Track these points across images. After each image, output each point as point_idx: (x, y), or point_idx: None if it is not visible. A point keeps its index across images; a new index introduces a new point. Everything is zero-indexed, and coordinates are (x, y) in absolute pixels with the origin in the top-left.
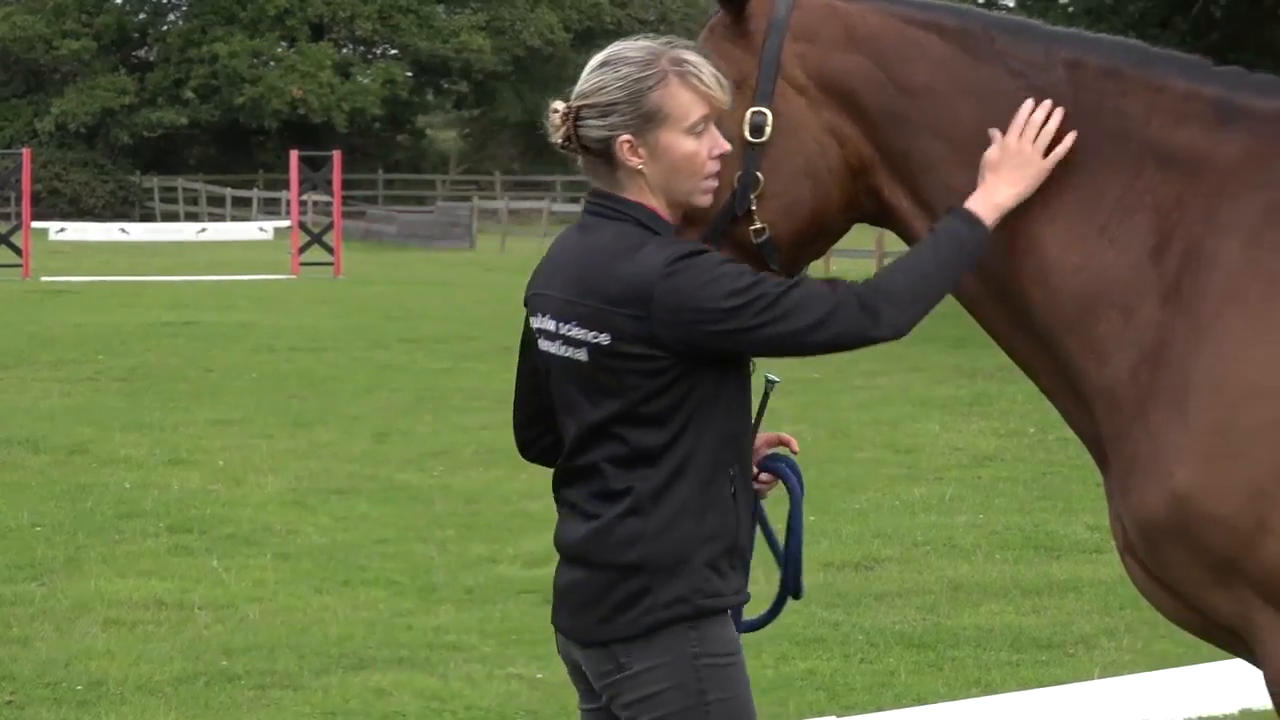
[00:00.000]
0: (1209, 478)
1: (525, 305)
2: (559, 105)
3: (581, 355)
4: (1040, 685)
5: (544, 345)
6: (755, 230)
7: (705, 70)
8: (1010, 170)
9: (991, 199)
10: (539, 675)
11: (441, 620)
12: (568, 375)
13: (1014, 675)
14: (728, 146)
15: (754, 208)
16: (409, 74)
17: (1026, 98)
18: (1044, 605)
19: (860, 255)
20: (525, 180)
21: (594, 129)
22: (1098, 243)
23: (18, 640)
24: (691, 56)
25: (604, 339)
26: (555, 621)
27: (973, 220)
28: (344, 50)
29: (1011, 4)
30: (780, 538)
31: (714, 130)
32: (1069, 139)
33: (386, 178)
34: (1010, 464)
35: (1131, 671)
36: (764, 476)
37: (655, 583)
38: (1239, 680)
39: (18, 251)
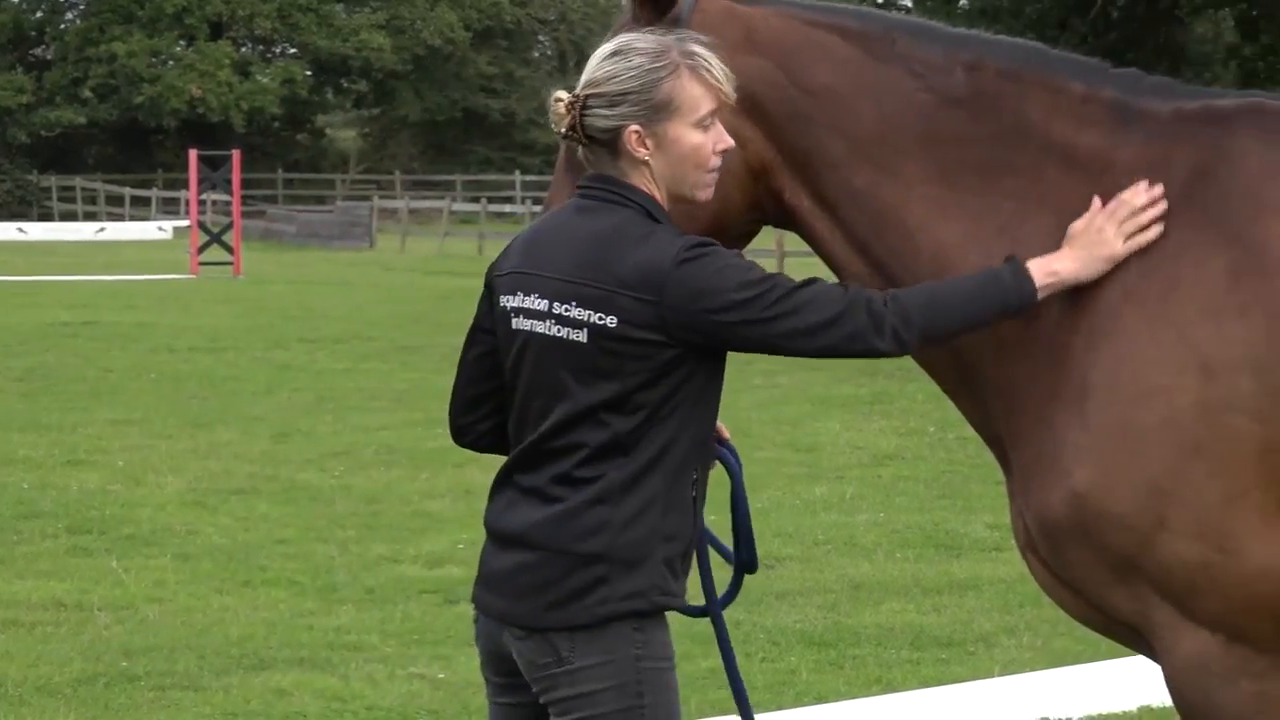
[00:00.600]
0: (1107, 477)
1: (491, 285)
2: (563, 94)
3: (581, 336)
4: (941, 683)
5: (525, 324)
6: None
7: (715, 63)
8: (1083, 247)
9: (1053, 265)
10: (440, 675)
11: (342, 620)
12: (557, 356)
13: (915, 673)
14: (731, 142)
15: None
16: (308, 73)
17: (925, 99)
18: (944, 604)
19: (761, 254)
20: (425, 180)
21: (602, 118)
22: (997, 243)
23: None
24: (701, 50)
25: (610, 321)
26: (486, 607)
27: (1022, 275)
28: (243, 49)
29: (909, 4)
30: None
31: (719, 125)
32: (1154, 231)
33: (286, 177)
34: (910, 463)
35: (1032, 669)
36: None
37: (613, 574)
38: (1139, 677)
39: None
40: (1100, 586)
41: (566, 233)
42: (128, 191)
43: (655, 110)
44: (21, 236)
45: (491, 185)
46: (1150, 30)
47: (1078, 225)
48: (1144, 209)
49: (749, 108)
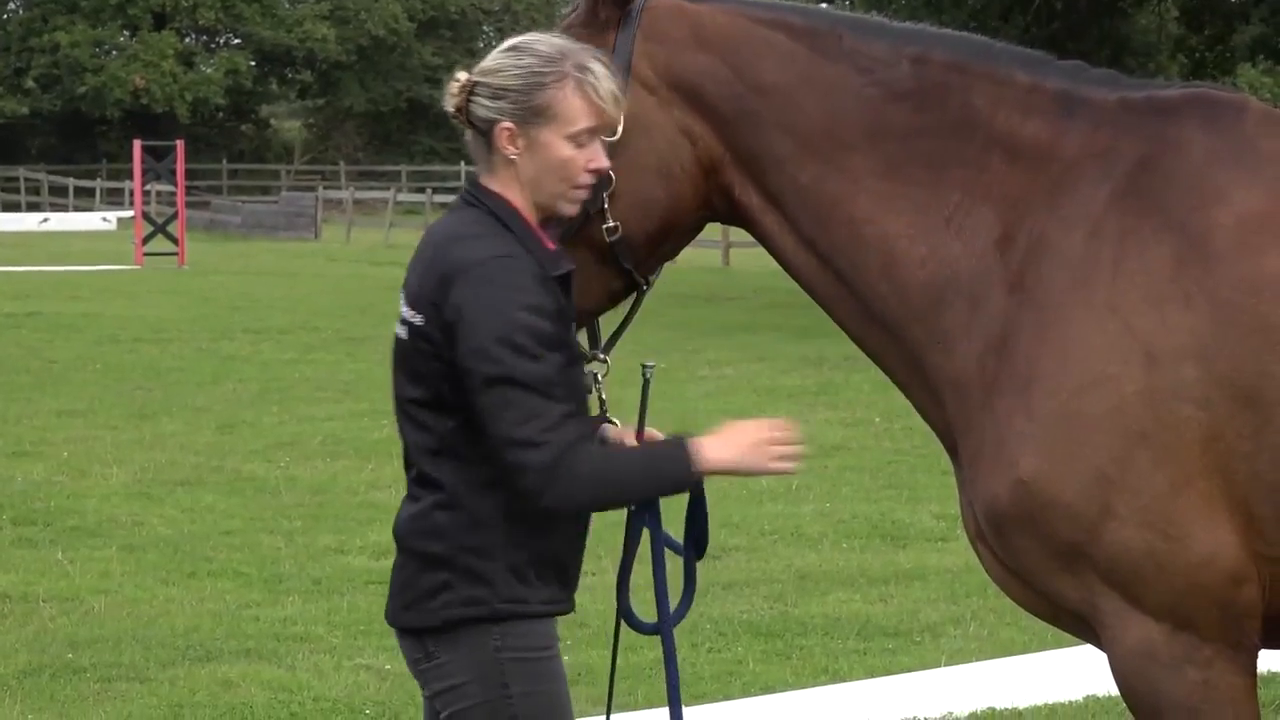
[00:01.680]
0: (1053, 465)
1: None
2: (461, 75)
3: (404, 334)
4: (888, 673)
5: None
6: (608, 229)
7: (604, 84)
8: (745, 447)
9: (718, 453)
10: (387, 666)
11: (289, 611)
12: (396, 355)
13: (861, 663)
14: (606, 164)
15: (606, 206)
16: (252, 63)
17: (872, 93)
18: (891, 594)
19: (708, 245)
20: (370, 170)
21: (483, 108)
22: (944, 234)
23: None
24: (597, 67)
25: (418, 319)
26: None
27: (689, 461)
28: (186, 40)
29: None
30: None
31: (597, 145)
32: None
33: (230, 168)
34: (856, 453)
35: (978, 659)
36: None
37: (455, 580)
38: (1086, 667)
39: None
40: (1047, 575)
41: (429, 234)
42: (71, 182)
43: (532, 113)
44: None
45: (437, 176)
46: (1093, 21)
47: (749, 425)
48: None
49: (697, 104)
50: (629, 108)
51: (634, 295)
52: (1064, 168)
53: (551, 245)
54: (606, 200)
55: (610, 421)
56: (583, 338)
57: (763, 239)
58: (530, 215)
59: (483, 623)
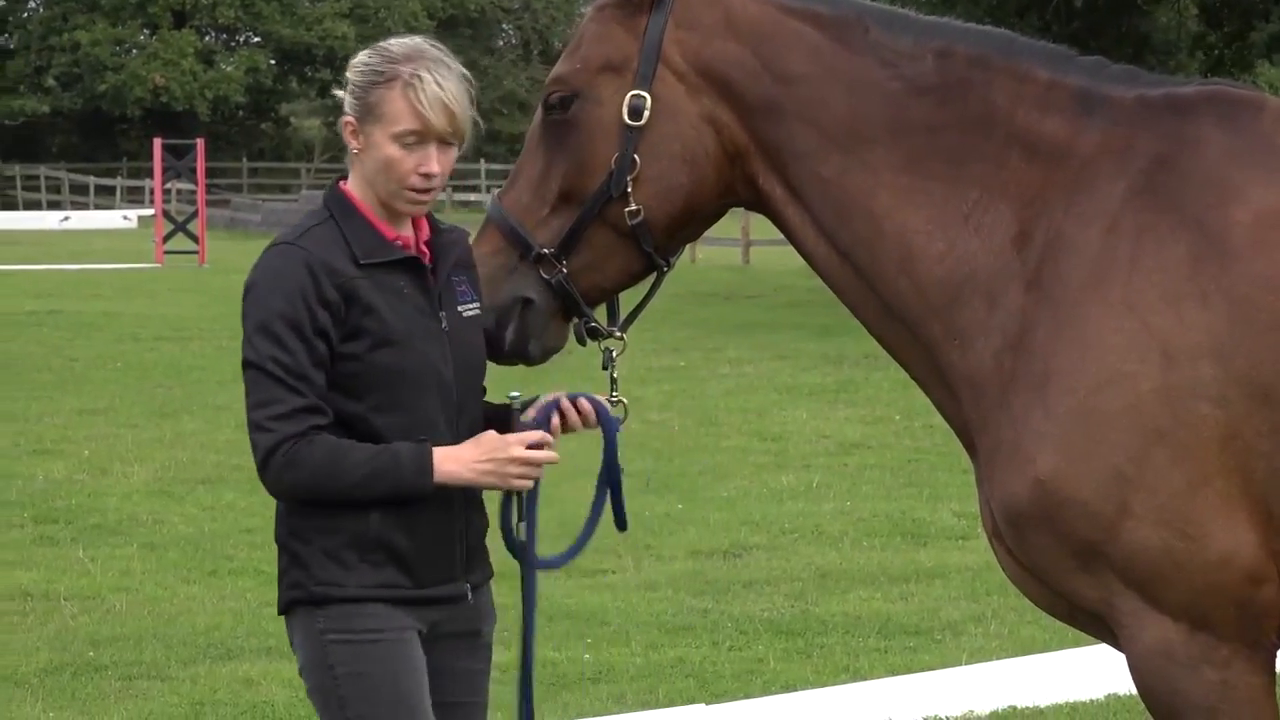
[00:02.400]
0: (1070, 463)
1: None
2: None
3: None
4: (909, 671)
5: None
6: (630, 212)
7: (429, 91)
8: (484, 464)
9: (453, 465)
10: None
11: None
12: None
13: (882, 661)
14: (437, 169)
15: (630, 190)
16: (272, 61)
17: (895, 87)
18: (911, 592)
19: (728, 244)
20: None
21: (344, 100)
22: (962, 230)
23: None
24: (432, 75)
25: None
26: None
27: (425, 469)
28: (206, 38)
29: None
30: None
31: (432, 151)
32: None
33: (251, 166)
34: (877, 451)
35: (999, 657)
36: (584, 404)
37: (286, 563)
38: (1107, 666)
39: None
40: (1064, 574)
41: None
42: (92, 180)
43: (366, 110)
44: None
45: (456, 174)
46: (1113, 19)
47: (491, 438)
48: (538, 462)
49: (725, 93)
50: (657, 93)
51: (654, 276)
52: (1081, 165)
53: (393, 235)
54: (630, 184)
55: (617, 401)
56: (601, 315)
57: (784, 230)
58: (372, 209)
59: (308, 605)
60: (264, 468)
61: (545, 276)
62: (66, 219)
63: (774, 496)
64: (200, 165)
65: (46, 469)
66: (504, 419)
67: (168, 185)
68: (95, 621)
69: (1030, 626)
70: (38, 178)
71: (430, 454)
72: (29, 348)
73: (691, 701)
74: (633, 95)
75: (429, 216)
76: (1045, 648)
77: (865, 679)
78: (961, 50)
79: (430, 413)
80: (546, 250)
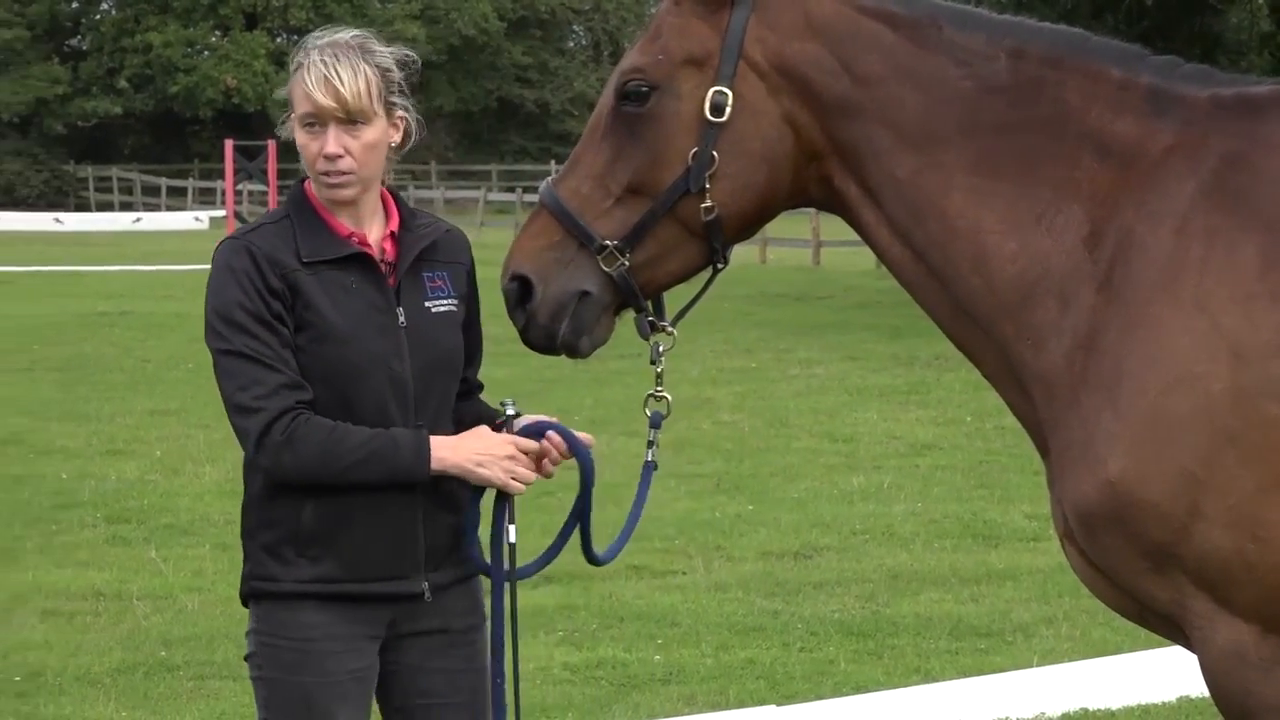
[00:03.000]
0: (1141, 465)
1: None
2: None
3: None
4: (979, 673)
5: None
6: (705, 208)
7: (315, 73)
8: (481, 455)
9: (451, 455)
10: None
11: None
12: None
13: (953, 663)
14: (334, 149)
15: (707, 186)
16: None
17: (969, 87)
18: (982, 593)
19: (799, 245)
20: (460, 169)
21: None
22: (1035, 230)
23: None
24: (319, 57)
25: None
26: None
27: (424, 454)
28: (278, 39)
29: None
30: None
31: (332, 131)
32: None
33: None
34: (948, 452)
35: (1070, 659)
36: (556, 439)
37: (243, 558)
38: (1179, 668)
39: None
40: (1136, 575)
41: None
42: (164, 181)
43: (288, 104)
44: (58, 227)
45: (527, 175)
46: (1184, 18)
47: (494, 435)
48: (539, 467)
49: (804, 92)
50: (738, 90)
51: (709, 273)
52: (1153, 165)
53: (347, 231)
54: (708, 181)
55: (661, 396)
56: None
57: (859, 229)
58: (327, 205)
59: (250, 600)
60: (259, 448)
61: (606, 269)
62: (138, 220)
63: (845, 498)
64: (272, 166)
65: (119, 469)
66: (491, 421)
67: (239, 186)
68: (167, 621)
69: (1102, 628)
70: (110, 179)
71: (427, 440)
72: (101, 349)
73: (762, 703)
74: (715, 91)
75: (401, 208)
76: (1117, 649)
77: (936, 680)
78: (1034, 49)
79: (377, 408)
80: (610, 242)
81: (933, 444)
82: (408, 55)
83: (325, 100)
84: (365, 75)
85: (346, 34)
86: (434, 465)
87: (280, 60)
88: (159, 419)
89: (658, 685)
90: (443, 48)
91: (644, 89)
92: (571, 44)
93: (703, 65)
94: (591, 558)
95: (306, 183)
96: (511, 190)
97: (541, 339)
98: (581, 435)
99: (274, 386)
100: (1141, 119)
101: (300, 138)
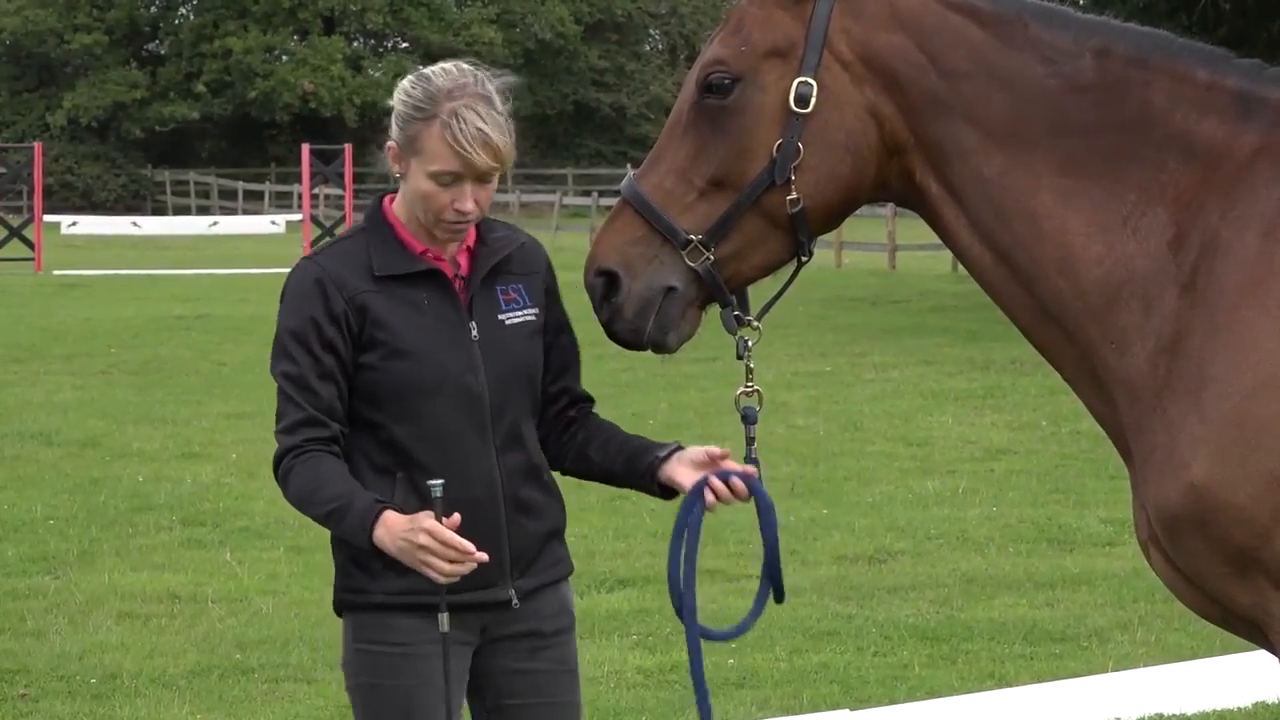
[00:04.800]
0: (1225, 469)
1: None
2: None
3: None
4: (1054, 678)
5: None
6: (790, 200)
7: (467, 132)
8: (403, 536)
9: (384, 532)
10: None
11: None
12: None
13: (1028, 668)
14: (471, 208)
15: (792, 178)
16: (420, 67)
17: (1054, 85)
18: (1057, 598)
19: (873, 249)
20: (536, 174)
21: (390, 123)
22: (1120, 233)
23: (32, 633)
24: (472, 114)
25: None
26: None
27: (366, 526)
28: (355, 44)
29: None
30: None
31: (467, 189)
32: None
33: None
34: (1023, 457)
35: (1145, 664)
36: (738, 484)
37: (335, 568)
38: (1254, 673)
39: (30, 245)
40: (1219, 579)
41: None
42: (240, 185)
43: (407, 142)
44: (136, 230)
45: (603, 179)
46: (1262, 23)
47: (414, 519)
48: (455, 557)
49: (889, 85)
50: (822, 81)
51: (792, 267)
52: (1239, 168)
53: (421, 248)
54: (793, 173)
55: (753, 391)
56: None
57: (938, 228)
58: (407, 224)
59: (343, 612)
60: (275, 475)
61: (691, 265)
62: (215, 224)
63: (919, 502)
64: (348, 171)
65: (195, 472)
66: (647, 453)
67: (315, 190)
68: (242, 624)
69: (1177, 633)
70: (187, 183)
71: (374, 515)
72: (178, 352)
73: (836, 707)
74: (800, 82)
75: (479, 221)
76: (1193, 655)
77: (1010, 685)
78: (1120, 49)
79: (451, 422)
80: (694, 237)
81: (1008, 448)
82: (509, 82)
83: (478, 162)
84: (506, 138)
85: (470, 73)
86: (375, 541)
87: (357, 65)
88: (235, 422)
89: (731, 689)
90: (519, 51)
91: (727, 81)
92: (648, 48)
93: (786, 56)
94: (780, 598)
95: (386, 198)
96: (587, 194)
97: (628, 334)
98: (748, 471)
99: (291, 423)
100: (1227, 121)
101: (428, 187)
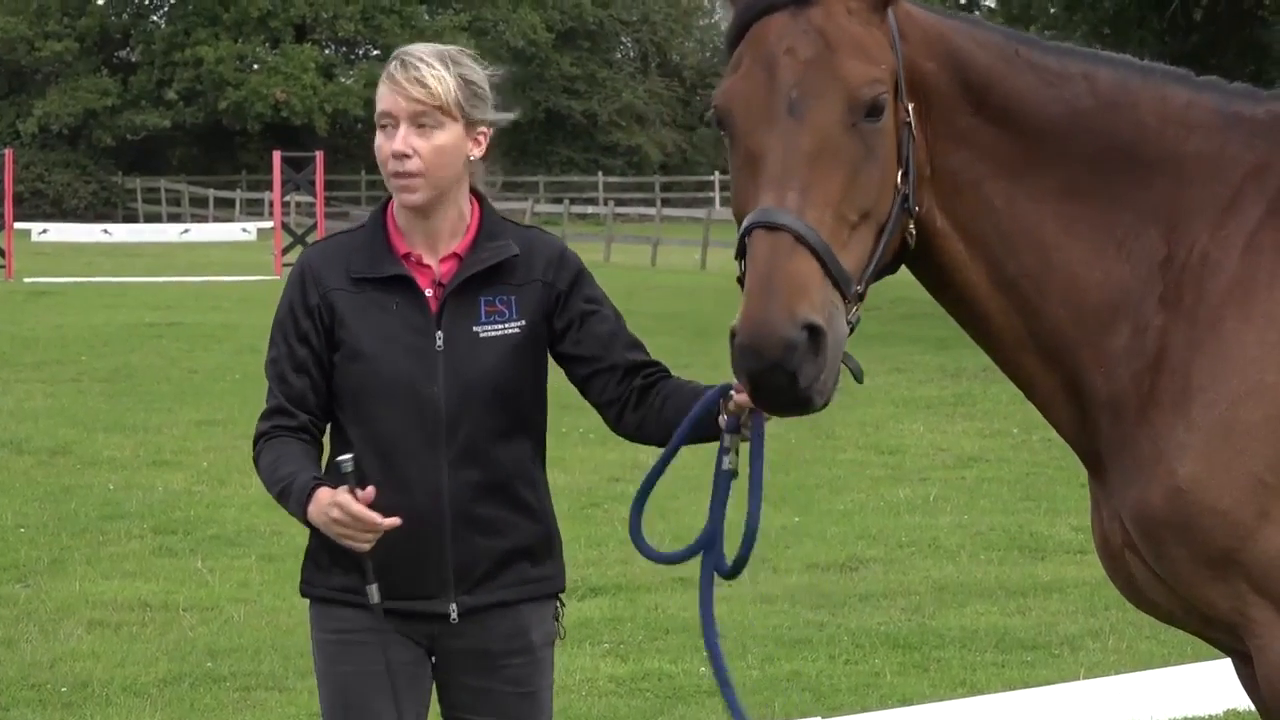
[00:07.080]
0: (1211, 473)
1: None
2: None
3: None
4: (1026, 686)
5: None
6: (911, 233)
7: (397, 75)
8: (321, 513)
9: (313, 508)
10: None
11: None
12: None
13: (999, 676)
14: (401, 147)
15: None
16: None
17: (1059, 109)
18: (1029, 606)
19: None
20: (508, 181)
21: None
22: (1117, 258)
23: (2, 642)
24: (414, 59)
25: None
26: None
27: (302, 502)
28: (326, 51)
29: (992, 2)
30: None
31: (402, 130)
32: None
33: (369, 178)
34: (994, 465)
35: (1117, 672)
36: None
37: None
38: (1225, 680)
39: (1, 253)
40: (1199, 584)
41: None
42: (211, 193)
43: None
44: (106, 238)
45: (574, 187)
46: (1234, 32)
47: (332, 498)
48: (365, 529)
49: (921, 112)
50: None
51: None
52: (1222, 183)
53: (405, 250)
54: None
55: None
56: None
57: (932, 263)
58: (400, 228)
59: (309, 604)
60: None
61: (850, 318)
62: (186, 231)
63: (891, 510)
64: (319, 178)
65: (166, 480)
66: (711, 401)
67: (287, 198)
68: (213, 632)
69: (1148, 641)
70: (158, 190)
71: (308, 493)
72: (149, 359)
73: (807, 715)
74: (912, 104)
75: (483, 225)
76: (1163, 663)
77: (982, 693)
78: (1104, 74)
79: (400, 427)
80: (859, 287)
81: (979, 456)
82: (496, 73)
83: (396, 98)
84: (442, 79)
85: (445, 47)
86: (309, 518)
87: (329, 73)
88: (206, 430)
89: (703, 697)
90: (491, 59)
91: (883, 99)
92: (619, 55)
93: (895, 77)
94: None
95: (392, 199)
96: (559, 201)
97: (823, 403)
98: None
99: (266, 409)
100: (1209, 138)
101: (378, 138)
